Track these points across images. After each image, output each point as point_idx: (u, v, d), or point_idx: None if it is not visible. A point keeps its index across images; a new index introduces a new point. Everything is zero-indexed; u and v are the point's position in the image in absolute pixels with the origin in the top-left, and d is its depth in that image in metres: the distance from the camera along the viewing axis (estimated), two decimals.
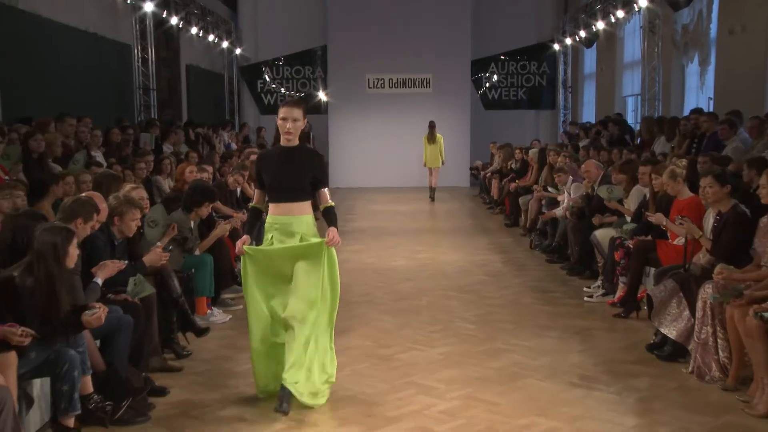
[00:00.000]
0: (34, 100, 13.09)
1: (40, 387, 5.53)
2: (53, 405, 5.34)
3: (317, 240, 6.09)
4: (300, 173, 6.14)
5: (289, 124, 6.06)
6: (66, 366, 5.19)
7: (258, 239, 6.55)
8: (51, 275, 5.23)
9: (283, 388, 5.93)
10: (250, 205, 6.66)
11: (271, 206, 6.22)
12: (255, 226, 6.59)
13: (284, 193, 6.12)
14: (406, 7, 23.88)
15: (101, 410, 5.60)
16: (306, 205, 6.19)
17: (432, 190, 21.38)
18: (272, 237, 6.13)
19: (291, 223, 6.10)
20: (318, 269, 6.07)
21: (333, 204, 6.32)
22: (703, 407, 6.13)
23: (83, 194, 6.86)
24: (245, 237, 6.23)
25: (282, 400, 5.93)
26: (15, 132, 10.02)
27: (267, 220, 6.23)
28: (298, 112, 6.11)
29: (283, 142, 6.16)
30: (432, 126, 21.31)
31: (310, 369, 6.03)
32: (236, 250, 6.32)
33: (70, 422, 5.19)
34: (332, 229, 6.09)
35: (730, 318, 6.40)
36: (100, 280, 5.97)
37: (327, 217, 6.21)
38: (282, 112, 6.11)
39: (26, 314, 5.11)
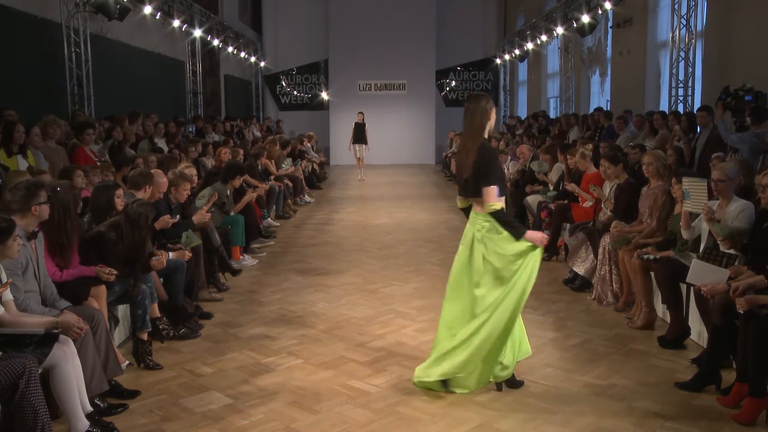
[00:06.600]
0: (115, 102, 13.01)
1: (122, 311, 5.65)
2: (132, 324, 5.40)
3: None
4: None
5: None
6: (140, 296, 5.24)
7: None
8: (141, 235, 5.29)
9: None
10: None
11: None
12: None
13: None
14: (386, 29, 23.65)
15: (165, 329, 5.69)
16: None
17: None
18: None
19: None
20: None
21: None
22: (601, 323, 6.24)
23: (146, 170, 6.86)
24: None
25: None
26: (102, 126, 9.99)
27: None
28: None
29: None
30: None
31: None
32: None
33: (144, 336, 5.23)
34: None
35: (621, 259, 6.52)
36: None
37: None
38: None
39: (110, 259, 5.14)
